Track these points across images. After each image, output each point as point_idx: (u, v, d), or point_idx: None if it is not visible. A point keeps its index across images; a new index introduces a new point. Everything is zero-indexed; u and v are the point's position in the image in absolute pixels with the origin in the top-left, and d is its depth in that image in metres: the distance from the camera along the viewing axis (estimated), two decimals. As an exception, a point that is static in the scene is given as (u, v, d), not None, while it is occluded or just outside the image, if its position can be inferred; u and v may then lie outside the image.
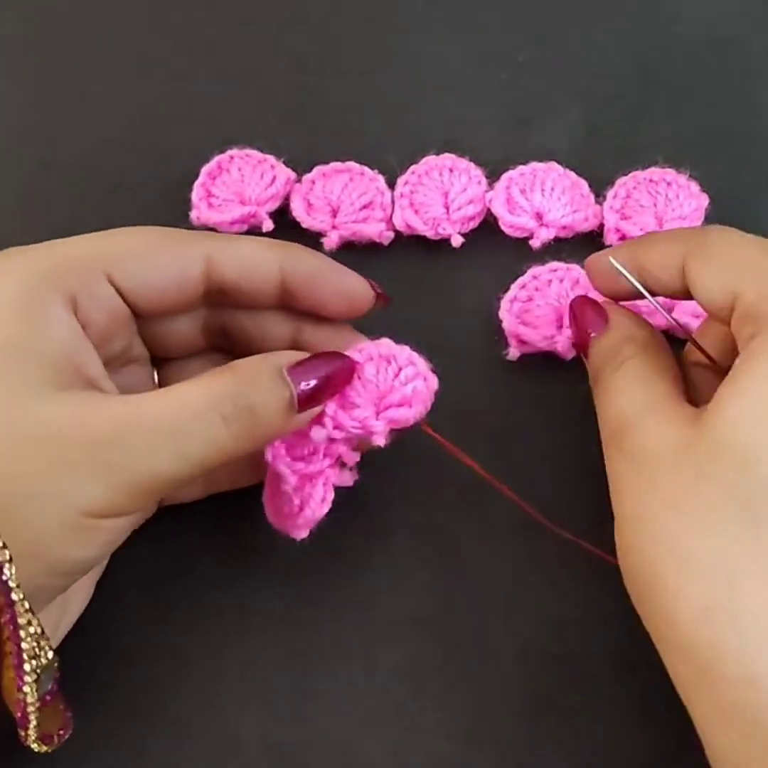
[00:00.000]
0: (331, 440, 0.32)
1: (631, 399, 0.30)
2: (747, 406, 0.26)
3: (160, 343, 0.34)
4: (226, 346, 0.35)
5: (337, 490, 0.34)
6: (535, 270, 0.40)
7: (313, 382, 0.29)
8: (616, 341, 0.32)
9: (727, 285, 0.29)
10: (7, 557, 0.25)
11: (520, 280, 0.39)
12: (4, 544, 0.25)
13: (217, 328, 0.34)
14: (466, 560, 0.36)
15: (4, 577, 0.25)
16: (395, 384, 0.31)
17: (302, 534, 0.33)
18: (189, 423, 0.27)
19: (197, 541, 0.36)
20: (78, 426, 0.27)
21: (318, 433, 0.31)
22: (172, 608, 0.35)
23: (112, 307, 0.31)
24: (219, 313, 0.34)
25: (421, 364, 0.31)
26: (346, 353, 0.31)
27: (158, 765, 0.33)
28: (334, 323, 0.34)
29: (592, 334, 0.33)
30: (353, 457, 0.33)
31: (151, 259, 0.31)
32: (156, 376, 0.35)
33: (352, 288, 0.33)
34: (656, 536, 0.27)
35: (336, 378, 0.30)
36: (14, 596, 0.25)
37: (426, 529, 0.36)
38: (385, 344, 0.32)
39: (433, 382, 0.31)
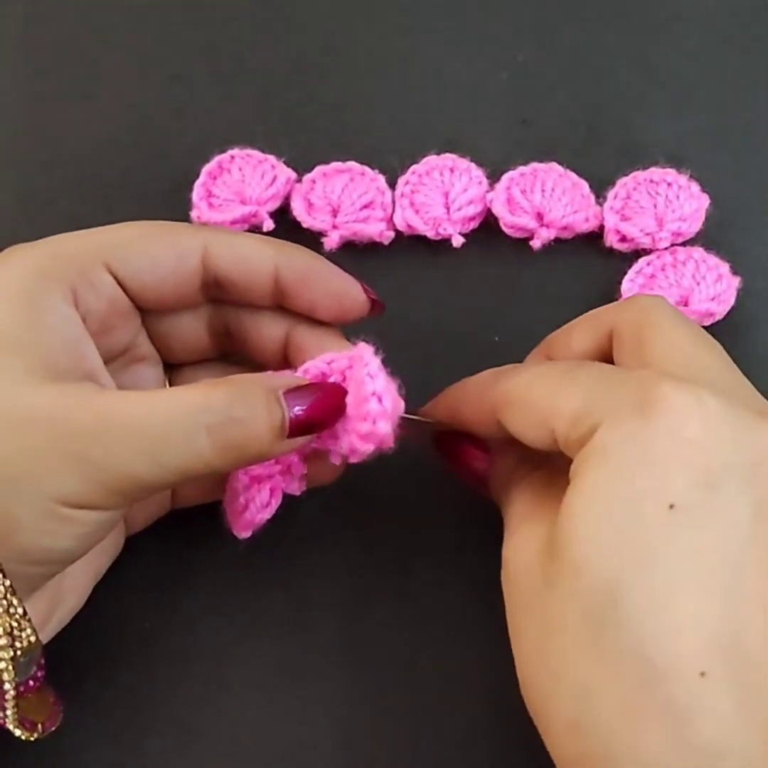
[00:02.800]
0: None
1: (512, 512, 0.30)
2: (582, 515, 0.25)
3: (169, 345, 0.34)
4: (232, 350, 0.35)
5: (339, 492, 0.34)
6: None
7: (305, 410, 0.29)
8: (513, 462, 0.32)
9: (541, 429, 0.28)
10: None
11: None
12: None
13: (222, 328, 0.34)
14: (467, 560, 0.36)
15: None
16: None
17: (244, 534, 0.33)
18: (170, 430, 0.27)
19: (198, 542, 0.36)
20: (61, 416, 0.26)
21: None
22: (173, 609, 0.35)
23: (112, 296, 0.31)
24: (221, 311, 0.34)
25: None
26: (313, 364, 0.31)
27: (158, 765, 0.33)
28: (327, 328, 0.34)
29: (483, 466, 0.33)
30: (301, 469, 0.33)
31: (148, 248, 0.31)
32: (167, 384, 0.35)
33: (345, 290, 0.33)
34: (529, 652, 0.26)
35: (333, 411, 0.30)
36: None
37: (426, 528, 0.36)
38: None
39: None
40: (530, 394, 0.29)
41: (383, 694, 0.34)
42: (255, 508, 0.32)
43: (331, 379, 0.31)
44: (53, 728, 0.29)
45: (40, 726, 0.28)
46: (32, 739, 0.28)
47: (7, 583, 0.26)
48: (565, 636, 0.25)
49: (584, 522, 0.25)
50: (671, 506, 0.24)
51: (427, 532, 0.36)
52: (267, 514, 0.33)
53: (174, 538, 0.36)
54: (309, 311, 0.33)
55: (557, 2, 0.47)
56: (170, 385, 0.35)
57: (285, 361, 0.34)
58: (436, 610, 0.35)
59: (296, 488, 0.33)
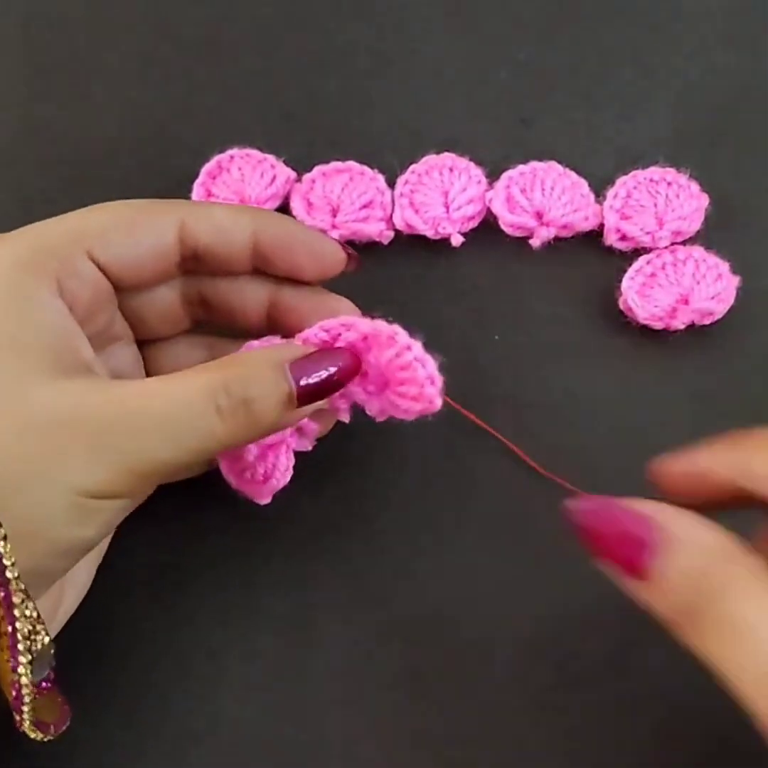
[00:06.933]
0: None
1: None
2: None
3: (143, 320, 0.34)
4: (208, 318, 0.35)
5: (339, 495, 0.34)
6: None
7: (315, 379, 0.30)
8: (702, 558, 0.24)
9: None
10: (1, 535, 0.25)
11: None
12: None
13: (196, 298, 0.34)
14: (467, 560, 0.36)
15: None
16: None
17: (267, 499, 0.34)
18: (185, 413, 0.28)
19: (198, 542, 0.36)
20: (80, 411, 0.27)
21: None
22: (172, 608, 0.35)
23: (95, 283, 0.31)
24: (195, 281, 0.34)
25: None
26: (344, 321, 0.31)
27: (158, 765, 0.33)
28: (311, 288, 0.34)
29: (649, 558, 0.24)
30: (312, 427, 0.33)
31: (128, 231, 0.31)
32: (142, 361, 0.35)
33: (324, 250, 0.33)
34: None
35: (340, 375, 0.30)
36: (9, 574, 0.25)
37: (426, 528, 0.36)
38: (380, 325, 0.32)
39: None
40: None
41: (383, 695, 0.34)
42: (279, 474, 0.33)
43: (336, 345, 0.32)
44: (64, 728, 0.29)
45: (51, 727, 0.28)
46: (46, 740, 0.28)
47: (22, 586, 0.26)
48: None
49: None
50: None
51: (426, 532, 0.36)
52: (289, 477, 0.33)
53: (174, 538, 0.36)
54: (290, 274, 0.33)
55: (557, 2, 0.47)
56: (146, 363, 0.35)
57: (268, 325, 0.34)
58: (436, 609, 0.35)
59: (307, 444, 0.34)
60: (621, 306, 0.40)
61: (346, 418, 0.33)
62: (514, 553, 0.36)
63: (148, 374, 0.35)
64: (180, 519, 0.35)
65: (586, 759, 0.32)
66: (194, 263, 0.33)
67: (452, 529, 0.36)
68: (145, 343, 0.35)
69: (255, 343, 0.33)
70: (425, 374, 0.31)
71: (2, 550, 0.25)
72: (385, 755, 0.33)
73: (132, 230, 0.31)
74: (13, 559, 0.25)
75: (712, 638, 0.23)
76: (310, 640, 0.35)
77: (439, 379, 0.31)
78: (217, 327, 0.35)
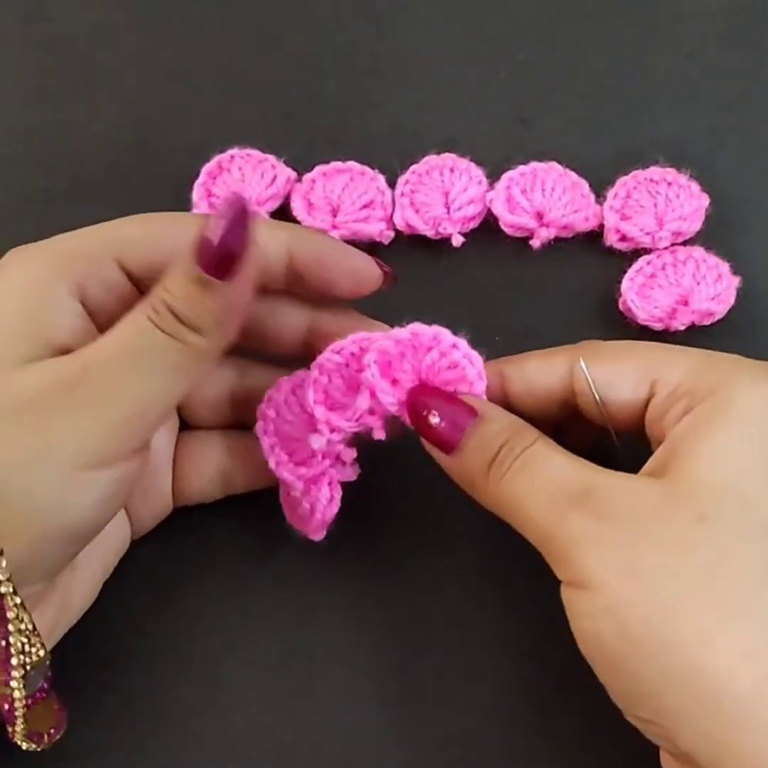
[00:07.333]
0: (329, 442, 0.32)
1: (569, 467, 0.28)
2: (735, 452, 0.27)
3: None
4: (242, 343, 0.34)
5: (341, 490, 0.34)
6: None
7: (217, 239, 0.28)
8: (504, 427, 0.30)
9: (641, 376, 0.30)
10: None
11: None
12: None
13: None
14: (467, 560, 0.36)
15: None
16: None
17: (319, 536, 0.33)
18: (133, 343, 0.28)
19: (198, 543, 0.36)
20: (54, 381, 0.27)
21: (318, 441, 0.32)
22: (173, 610, 0.35)
23: (123, 290, 0.31)
24: None
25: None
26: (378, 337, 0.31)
27: (158, 765, 0.33)
28: (349, 312, 0.34)
29: (464, 431, 0.30)
30: (350, 454, 0.33)
31: (158, 241, 0.31)
32: None
33: (359, 267, 0.33)
34: (666, 586, 0.26)
35: (238, 229, 0.28)
36: (3, 589, 0.25)
37: (426, 529, 0.36)
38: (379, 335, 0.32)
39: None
40: (629, 349, 0.31)
41: (383, 695, 0.34)
42: (322, 507, 0.33)
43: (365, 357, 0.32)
44: (58, 736, 0.29)
45: (45, 736, 0.28)
46: (39, 749, 0.28)
47: (19, 600, 0.26)
48: (737, 567, 0.26)
49: (748, 462, 0.27)
50: None
51: (426, 532, 0.36)
52: (334, 509, 0.33)
53: (174, 539, 0.36)
54: (323, 291, 0.33)
55: (557, 2, 0.47)
56: None
57: (304, 352, 0.34)
58: (436, 610, 0.35)
59: (351, 474, 0.33)
60: (621, 307, 0.40)
61: (381, 435, 0.32)
62: (516, 551, 0.35)
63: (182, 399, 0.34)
64: (181, 522, 0.35)
65: (588, 760, 0.32)
66: None
67: (454, 528, 0.36)
68: None
69: (284, 378, 0.33)
70: (475, 371, 0.31)
71: None
72: (385, 756, 0.33)
73: (163, 240, 0.31)
74: (8, 575, 0.25)
75: (511, 478, 0.29)
76: (309, 641, 0.35)
77: (485, 375, 0.31)
78: (252, 352, 0.35)
